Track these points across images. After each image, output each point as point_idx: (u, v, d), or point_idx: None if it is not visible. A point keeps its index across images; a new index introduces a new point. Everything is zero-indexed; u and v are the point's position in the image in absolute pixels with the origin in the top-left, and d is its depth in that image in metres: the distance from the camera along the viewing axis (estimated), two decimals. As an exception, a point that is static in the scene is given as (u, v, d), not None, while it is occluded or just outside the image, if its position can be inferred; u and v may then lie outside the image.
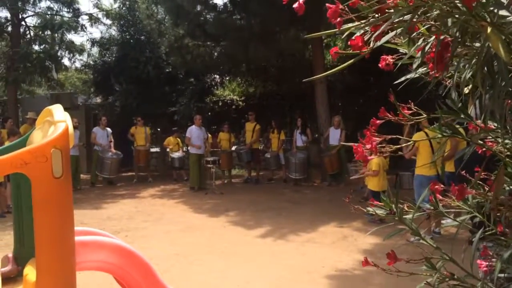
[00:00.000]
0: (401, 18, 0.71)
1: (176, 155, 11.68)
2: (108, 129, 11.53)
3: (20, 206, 1.89)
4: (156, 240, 6.11)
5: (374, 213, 1.23)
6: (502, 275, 1.01)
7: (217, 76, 15.60)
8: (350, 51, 0.86)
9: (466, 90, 1.02)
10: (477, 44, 0.71)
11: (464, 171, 1.37)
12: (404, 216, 1.18)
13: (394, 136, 1.00)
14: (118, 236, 5.80)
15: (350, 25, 0.82)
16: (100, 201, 9.11)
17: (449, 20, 0.68)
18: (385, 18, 0.70)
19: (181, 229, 6.72)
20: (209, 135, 11.51)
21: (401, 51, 1.05)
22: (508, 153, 1.04)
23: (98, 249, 1.98)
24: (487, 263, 1.06)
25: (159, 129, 14.59)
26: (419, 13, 0.69)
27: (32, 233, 1.56)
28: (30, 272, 1.65)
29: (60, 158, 1.57)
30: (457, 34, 0.69)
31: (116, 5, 14.78)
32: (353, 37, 0.85)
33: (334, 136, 10.38)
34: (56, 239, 1.58)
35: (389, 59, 1.09)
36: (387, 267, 1.22)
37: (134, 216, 7.70)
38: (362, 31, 0.84)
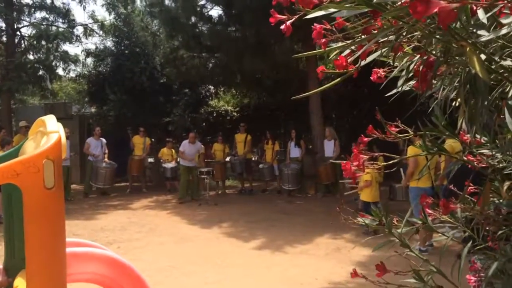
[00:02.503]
0: (386, 38, 0.73)
1: (169, 165, 11.65)
2: (103, 139, 11.49)
3: (11, 217, 1.88)
4: (149, 251, 6.08)
5: (364, 223, 1.24)
6: (490, 288, 1.02)
7: (212, 87, 15.65)
8: (337, 71, 0.89)
9: (456, 104, 1.04)
10: (460, 60, 0.73)
11: (453, 185, 1.39)
12: (394, 230, 1.20)
13: (381, 154, 1.01)
14: (110, 247, 5.76)
15: (335, 45, 0.84)
16: (93, 212, 9.06)
17: (433, 41, 0.70)
18: (370, 38, 0.72)
19: (174, 241, 6.68)
20: (203, 146, 11.52)
21: (391, 62, 1.07)
22: (497, 165, 1.06)
23: (89, 260, 1.97)
24: (476, 278, 1.07)
25: (153, 140, 14.57)
26: (403, 34, 0.71)
27: (23, 244, 1.55)
28: (20, 284, 1.64)
29: (52, 169, 1.57)
30: (439, 54, 0.71)
31: (111, 17, 14.86)
32: (338, 57, 0.87)
33: (328, 148, 10.43)
34: (47, 251, 1.57)
35: (381, 72, 1.11)
36: (376, 278, 1.22)
37: (127, 227, 7.65)
38: (349, 51, 0.86)
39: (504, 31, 0.58)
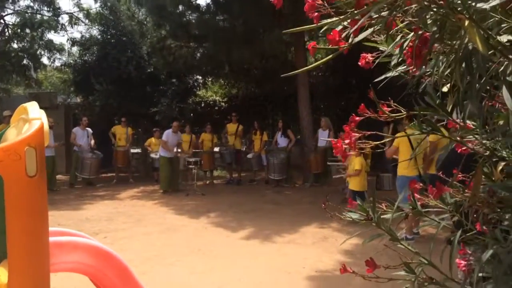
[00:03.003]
0: (379, 14, 0.70)
1: (157, 156, 11.56)
2: (89, 129, 11.36)
3: (-8, 206, 1.83)
4: (136, 241, 6.04)
5: (350, 218, 1.22)
6: (480, 274, 1.01)
7: (200, 77, 15.53)
8: (329, 46, 0.86)
9: (445, 89, 1.02)
10: (456, 37, 0.71)
11: (444, 172, 1.37)
12: (382, 216, 1.18)
13: (374, 132, 0.99)
14: (96, 238, 5.70)
15: (328, 20, 0.81)
16: (78, 202, 8.96)
17: (428, 14, 0.68)
18: (363, 12, 0.70)
19: (161, 231, 6.65)
20: (193, 135, 11.45)
21: (381, 49, 1.05)
22: (487, 153, 1.05)
23: (73, 250, 1.93)
24: (466, 262, 1.06)
25: (140, 130, 14.44)
26: (397, 8, 0.68)
27: (4, 233, 1.51)
28: (2, 273, 1.60)
29: (34, 156, 1.52)
30: (435, 29, 0.69)
31: (97, 5, 14.62)
32: (331, 32, 0.84)
33: (323, 137, 10.46)
34: (30, 240, 1.54)
35: (369, 57, 1.09)
36: (365, 273, 1.20)
37: (114, 217, 7.59)
38: (341, 27, 0.83)
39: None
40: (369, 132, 0.97)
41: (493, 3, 0.59)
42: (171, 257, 5.30)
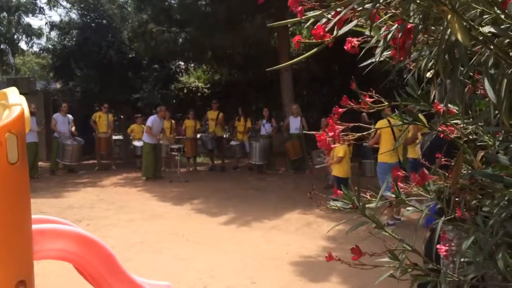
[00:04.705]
0: (363, 7, 0.71)
1: (139, 143, 11.45)
2: (69, 115, 11.17)
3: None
4: (119, 228, 6.02)
5: (336, 207, 1.24)
6: (462, 259, 1.04)
7: (182, 63, 15.36)
8: (313, 40, 0.86)
9: (428, 75, 1.04)
10: (439, 28, 0.72)
11: (427, 159, 1.40)
12: (367, 205, 1.19)
13: (357, 124, 1.01)
14: (79, 225, 5.66)
15: (312, 13, 0.81)
16: (60, 189, 8.86)
17: (411, 6, 0.68)
18: (346, 3, 0.70)
19: (144, 218, 6.63)
20: (173, 121, 11.35)
21: (366, 33, 1.05)
22: (467, 138, 1.07)
23: (57, 237, 1.92)
24: (447, 247, 1.09)
25: (122, 116, 14.26)
26: (380, 0, 0.69)
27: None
28: (-16, 262, 1.58)
29: (15, 143, 1.50)
30: (418, 21, 0.69)
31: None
32: (315, 26, 0.84)
33: (294, 124, 10.48)
34: (12, 228, 1.52)
35: (355, 41, 1.09)
36: (351, 261, 1.23)
37: (96, 204, 7.54)
38: (325, 20, 0.83)
39: None
40: (352, 124, 0.98)
41: None
42: (155, 244, 5.30)
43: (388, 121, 5.24)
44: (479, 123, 0.97)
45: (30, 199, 1.63)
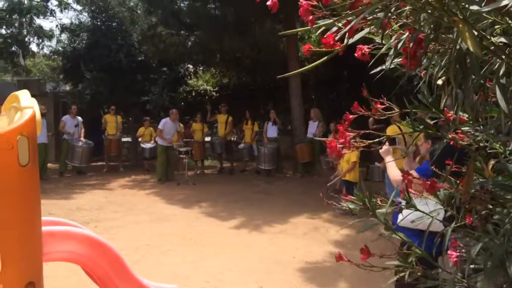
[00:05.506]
0: (374, 15, 0.71)
1: (147, 145, 11.51)
2: (79, 117, 11.26)
3: (-16, 196, 1.82)
4: (127, 230, 6.04)
5: (347, 208, 1.23)
6: (471, 266, 1.04)
7: (191, 66, 15.42)
8: (323, 49, 0.86)
9: (439, 82, 1.04)
10: (450, 37, 0.72)
11: (436, 165, 1.39)
12: (377, 210, 1.19)
13: (368, 131, 1.01)
14: (87, 227, 5.68)
15: (322, 22, 0.81)
16: (69, 191, 8.93)
17: (422, 16, 0.68)
18: (357, 13, 0.70)
19: (152, 220, 6.66)
20: (181, 125, 11.38)
21: (377, 40, 1.05)
22: (477, 146, 1.07)
23: (66, 239, 1.93)
24: (457, 253, 1.08)
25: (130, 119, 14.33)
26: (392, 9, 0.69)
27: (-3, 224, 1.50)
28: (-6, 263, 1.60)
29: (26, 145, 1.52)
30: (429, 31, 0.70)
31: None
32: (325, 35, 0.84)
33: (311, 129, 10.48)
34: (22, 229, 1.54)
35: (365, 48, 1.09)
36: (360, 262, 1.22)
37: (104, 206, 7.58)
38: (336, 28, 0.84)
39: (505, 1, 0.57)
40: (363, 131, 0.98)
41: (488, 9, 0.60)
42: (162, 246, 5.32)
43: (399, 127, 5.21)
44: (490, 131, 0.96)
45: (40, 201, 1.65)
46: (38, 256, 1.62)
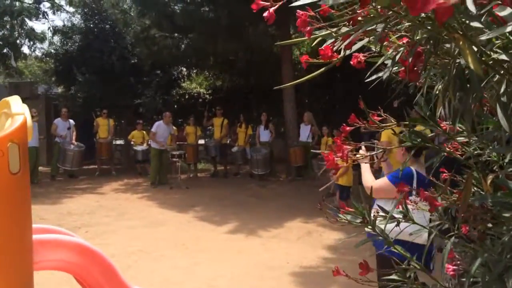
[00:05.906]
0: (373, 27, 0.70)
1: (140, 148, 11.45)
2: (71, 120, 11.18)
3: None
4: (119, 235, 5.99)
5: (346, 220, 1.21)
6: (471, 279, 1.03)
7: (184, 69, 15.39)
8: (320, 60, 0.85)
9: (436, 91, 1.03)
10: (449, 50, 0.71)
11: (433, 175, 1.38)
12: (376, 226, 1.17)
13: (366, 144, 1.00)
14: (78, 232, 5.64)
15: (319, 33, 0.80)
16: (60, 195, 8.84)
17: (419, 31, 0.68)
18: (357, 28, 0.70)
19: (145, 225, 6.61)
20: (175, 128, 11.34)
21: (373, 48, 1.04)
22: (475, 159, 1.06)
23: (57, 247, 1.90)
24: (454, 266, 1.08)
25: (123, 122, 14.25)
26: (390, 23, 0.68)
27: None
28: (-17, 273, 1.56)
29: (17, 152, 1.49)
30: (429, 46, 0.69)
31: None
32: (323, 47, 0.83)
33: (304, 132, 10.47)
34: (13, 238, 1.51)
35: (361, 56, 1.08)
36: (359, 277, 1.20)
37: (96, 211, 7.51)
38: (333, 39, 0.83)
39: (509, 28, 0.56)
40: (360, 144, 0.97)
41: (494, 34, 0.59)
42: (155, 252, 5.28)
43: (394, 131, 5.21)
44: (486, 141, 0.96)
45: (31, 209, 1.62)
46: (29, 265, 1.59)
